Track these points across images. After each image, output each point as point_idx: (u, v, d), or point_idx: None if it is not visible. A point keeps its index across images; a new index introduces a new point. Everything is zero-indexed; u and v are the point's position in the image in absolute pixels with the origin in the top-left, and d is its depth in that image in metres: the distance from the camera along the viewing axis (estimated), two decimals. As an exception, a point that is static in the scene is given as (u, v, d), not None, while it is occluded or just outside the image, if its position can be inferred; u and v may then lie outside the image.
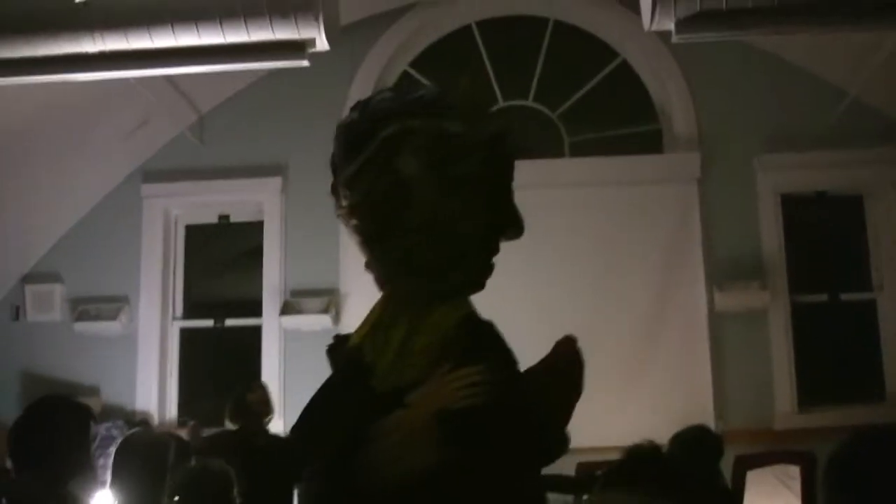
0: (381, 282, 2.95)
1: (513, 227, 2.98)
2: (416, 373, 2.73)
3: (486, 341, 2.87)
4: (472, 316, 2.90)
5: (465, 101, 2.95)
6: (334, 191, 2.93)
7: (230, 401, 7.24)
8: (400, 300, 2.88)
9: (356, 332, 2.87)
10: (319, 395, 2.83)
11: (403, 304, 2.87)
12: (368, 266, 2.92)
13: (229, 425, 7.19)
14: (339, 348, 2.93)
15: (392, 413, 2.65)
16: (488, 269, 2.98)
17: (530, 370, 2.97)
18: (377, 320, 2.86)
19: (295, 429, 2.80)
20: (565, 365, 3.11)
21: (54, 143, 8.69)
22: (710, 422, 8.44)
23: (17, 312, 9.72)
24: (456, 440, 2.54)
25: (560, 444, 2.87)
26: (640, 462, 3.21)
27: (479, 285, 2.96)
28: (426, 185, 2.77)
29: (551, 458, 2.83)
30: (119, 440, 5.27)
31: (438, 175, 2.78)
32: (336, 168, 2.93)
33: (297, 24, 5.56)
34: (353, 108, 2.92)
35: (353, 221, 2.89)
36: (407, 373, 2.74)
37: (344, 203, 2.89)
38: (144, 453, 5.01)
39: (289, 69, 6.52)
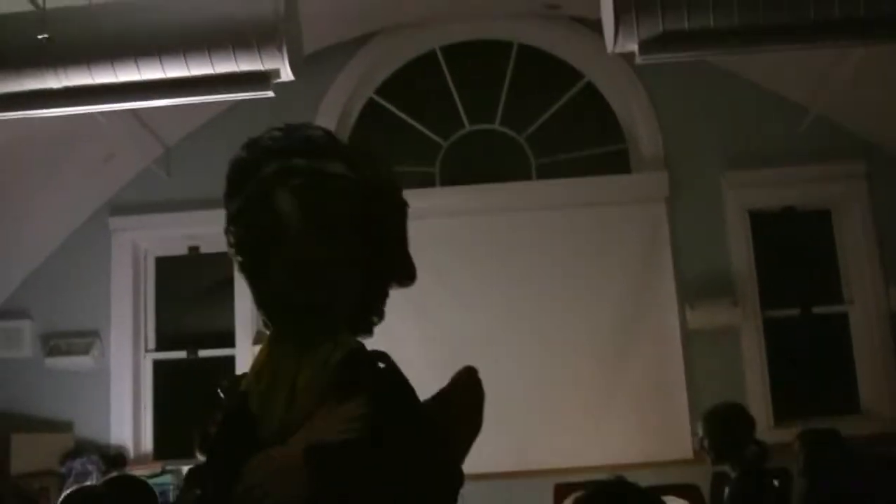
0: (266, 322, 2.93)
1: (403, 274, 2.92)
2: (303, 413, 2.69)
3: (372, 375, 2.77)
4: (360, 351, 2.81)
5: (354, 147, 2.96)
6: (225, 229, 2.92)
7: (197, 434, 7.20)
8: (283, 340, 2.86)
9: (245, 377, 2.85)
10: (211, 446, 2.79)
11: (287, 345, 2.84)
12: (256, 305, 2.91)
13: (200, 458, 7.15)
14: (232, 392, 2.90)
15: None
16: (373, 315, 2.92)
17: (423, 403, 2.80)
18: (263, 362, 2.84)
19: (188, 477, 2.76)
20: (462, 397, 2.94)
21: (21, 179, 8.65)
22: (687, 439, 8.48)
23: (-15, 350, 9.66)
24: (323, 475, 2.48)
25: (448, 480, 2.71)
26: (607, 495, 3.16)
27: (364, 330, 2.90)
28: (299, 224, 2.76)
29: (438, 495, 2.67)
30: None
31: (313, 216, 2.76)
32: (226, 205, 2.91)
33: (260, 55, 5.56)
34: (242, 146, 2.90)
35: (238, 259, 2.88)
36: (294, 414, 2.70)
37: (230, 240, 2.88)
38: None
39: (253, 101, 6.52)
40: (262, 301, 2.88)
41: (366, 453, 2.53)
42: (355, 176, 2.86)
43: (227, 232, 2.88)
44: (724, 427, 5.95)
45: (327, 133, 2.97)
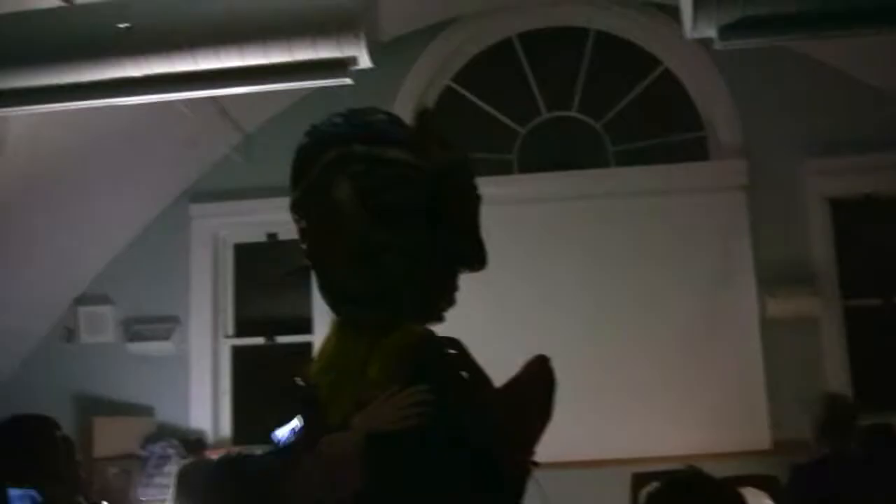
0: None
1: (474, 259, 2.92)
2: (371, 400, 2.67)
3: (439, 362, 2.79)
4: (429, 337, 2.83)
5: (417, 131, 2.93)
6: (292, 216, 2.93)
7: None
8: (348, 329, 2.85)
9: (313, 366, 2.85)
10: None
11: (352, 333, 2.83)
12: (319, 292, 2.91)
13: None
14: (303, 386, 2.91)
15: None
16: (443, 301, 2.93)
17: (494, 391, 2.82)
18: (330, 352, 2.84)
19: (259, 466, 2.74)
20: (533, 386, 2.94)
21: (104, 168, 8.77)
22: (765, 430, 8.41)
23: (70, 334, 9.82)
24: (383, 463, 2.48)
25: (515, 471, 2.71)
26: (681, 488, 3.12)
27: (434, 317, 2.91)
28: (356, 212, 2.74)
29: (501, 486, 2.65)
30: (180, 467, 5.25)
31: (373, 203, 2.75)
32: (291, 192, 2.92)
33: (339, 42, 5.58)
34: (305, 133, 2.91)
35: (303, 246, 2.88)
36: (364, 403, 2.69)
37: (295, 227, 2.89)
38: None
39: (332, 88, 6.55)
40: (325, 288, 2.89)
41: (424, 443, 2.54)
42: (419, 162, 2.86)
43: (293, 219, 2.90)
44: (833, 411, 6.04)
45: (391, 118, 2.96)
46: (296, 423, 2.85)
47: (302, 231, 2.88)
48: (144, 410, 9.31)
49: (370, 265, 2.77)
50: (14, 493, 3.11)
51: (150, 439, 8.99)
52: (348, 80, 6.01)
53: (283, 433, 2.88)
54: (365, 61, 5.79)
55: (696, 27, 5.48)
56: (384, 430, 2.52)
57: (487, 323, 8.70)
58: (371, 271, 2.78)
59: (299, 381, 2.90)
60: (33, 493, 3.11)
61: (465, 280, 8.75)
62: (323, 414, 2.71)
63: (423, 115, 3.00)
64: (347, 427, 2.59)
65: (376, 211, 2.75)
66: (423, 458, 2.53)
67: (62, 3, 6.19)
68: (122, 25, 5.57)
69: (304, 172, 2.84)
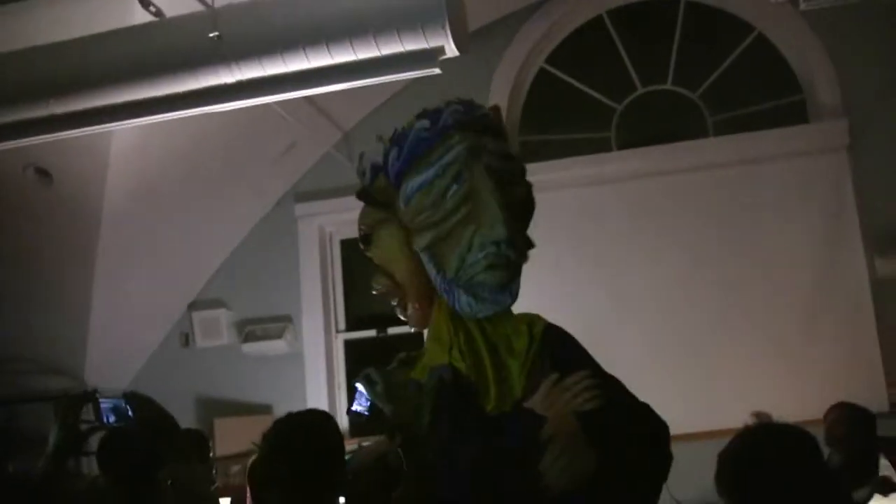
0: (424, 293, 2.99)
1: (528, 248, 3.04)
2: (517, 388, 2.77)
3: (571, 347, 2.90)
4: (550, 325, 2.94)
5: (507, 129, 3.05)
6: (366, 195, 2.99)
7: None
8: (457, 315, 2.92)
9: (434, 353, 2.90)
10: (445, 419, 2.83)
11: (461, 319, 2.91)
12: (413, 275, 2.96)
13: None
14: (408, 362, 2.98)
15: (503, 427, 2.71)
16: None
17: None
18: (453, 339, 2.90)
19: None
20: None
21: (209, 174, 8.95)
22: (882, 391, 8.30)
23: (186, 340, 10.04)
24: (600, 440, 2.54)
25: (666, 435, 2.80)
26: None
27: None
28: (495, 203, 2.82)
29: (668, 457, 2.76)
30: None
31: (503, 195, 2.83)
32: (376, 171, 2.98)
33: (424, 34, 5.62)
34: (419, 116, 2.96)
35: (416, 228, 2.93)
36: (511, 389, 2.78)
37: (405, 209, 2.94)
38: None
39: (427, 78, 6.60)
40: (440, 271, 2.95)
41: (623, 419, 2.65)
42: (519, 159, 2.98)
43: (408, 200, 2.95)
44: None
45: (492, 114, 3.06)
46: (362, 392, 2.94)
47: (415, 213, 2.93)
48: (263, 409, 9.47)
49: (503, 256, 2.87)
50: (104, 403, 3.24)
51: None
52: (437, 70, 6.04)
53: (358, 405, 2.97)
54: (452, 50, 5.82)
55: (782, -11, 5.43)
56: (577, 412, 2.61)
57: (594, 300, 8.76)
58: (503, 263, 2.87)
59: (400, 360, 2.98)
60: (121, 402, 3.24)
61: (572, 257, 8.74)
62: (473, 398, 2.78)
63: (499, 111, 3.07)
64: (498, 409, 2.72)
65: (507, 203, 2.85)
66: (629, 431, 2.63)
67: (153, 18, 6.34)
68: (212, 34, 5.67)
69: (427, 156, 2.90)
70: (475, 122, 2.94)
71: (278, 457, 3.45)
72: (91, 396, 3.18)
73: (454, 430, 2.73)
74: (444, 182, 2.87)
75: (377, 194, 3.05)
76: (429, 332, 3.05)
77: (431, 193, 2.89)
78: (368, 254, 3.14)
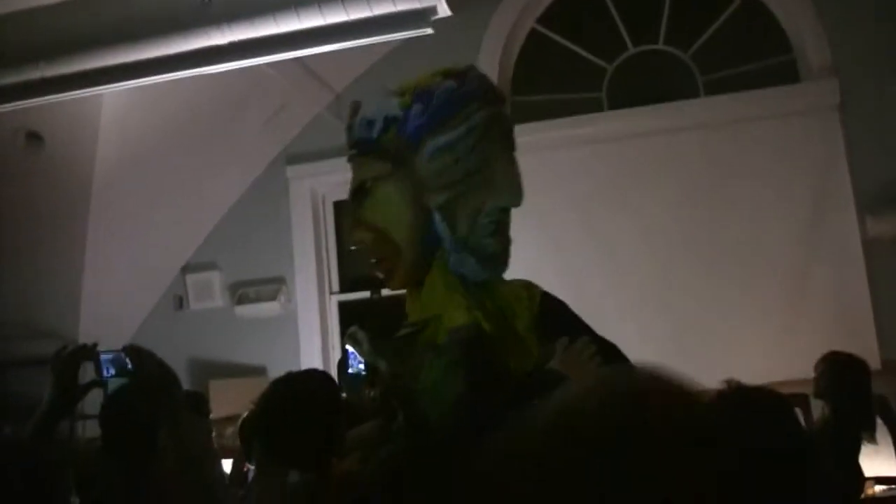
0: (419, 253, 3.00)
1: None
2: (534, 349, 2.81)
3: (569, 314, 3.03)
4: (545, 293, 3.07)
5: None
6: (372, 145, 2.98)
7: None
8: (456, 281, 2.94)
9: (453, 315, 2.92)
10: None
11: (461, 286, 2.94)
12: (415, 231, 2.98)
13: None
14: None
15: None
16: None
17: None
18: (471, 300, 2.93)
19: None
20: None
21: (199, 137, 8.94)
22: (874, 350, 8.32)
23: (180, 302, 10.06)
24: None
25: None
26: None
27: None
28: (508, 169, 2.86)
29: None
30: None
31: (513, 162, 2.88)
32: (387, 123, 2.98)
33: (417, -7, 5.64)
34: (446, 76, 2.98)
35: (434, 186, 2.95)
36: (527, 350, 2.82)
37: (427, 164, 2.95)
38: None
39: (419, 39, 6.60)
40: (451, 230, 2.98)
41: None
42: None
43: (431, 157, 2.96)
44: None
45: None
46: (353, 353, 2.96)
47: (435, 173, 2.95)
48: (257, 371, 9.49)
49: (507, 227, 2.91)
50: (104, 356, 3.22)
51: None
52: (429, 30, 6.06)
53: (353, 368, 2.99)
54: (444, 10, 5.83)
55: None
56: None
57: (585, 260, 8.78)
58: (506, 232, 2.92)
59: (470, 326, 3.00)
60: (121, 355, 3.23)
61: (564, 217, 8.76)
62: (491, 356, 2.81)
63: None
64: (509, 371, 2.76)
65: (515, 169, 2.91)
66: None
67: (145, -21, 6.33)
68: (203, -1, 5.68)
69: (450, 118, 2.93)
70: (492, 91, 2.99)
71: (275, 411, 3.47)
72: (91, 351, 3.16)
73: (483, 388, 2.75)
74: (467, 144, 2.92)
75: (387, 145, 3.06)
76: (429, 295, 3.06)
77: (455, 153, 2.93)
78: (360, 208, 3.13)
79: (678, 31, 9.57)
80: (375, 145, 3.08)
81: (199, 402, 6.52)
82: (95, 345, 3.18)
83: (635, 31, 9.70)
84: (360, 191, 3.11)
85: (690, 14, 9.56)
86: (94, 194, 8.55)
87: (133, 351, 3.11)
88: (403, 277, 3.12)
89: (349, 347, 3.02)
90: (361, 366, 3.03)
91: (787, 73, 9.29)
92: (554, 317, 2.94)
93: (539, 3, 9.84)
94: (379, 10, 5.77)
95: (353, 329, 3.05)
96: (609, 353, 2.83)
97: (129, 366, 3.10)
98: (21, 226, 8.42)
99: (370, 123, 3.10)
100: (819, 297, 8.62)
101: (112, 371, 3.16)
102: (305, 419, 3.38)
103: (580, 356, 2.73)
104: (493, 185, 2.92)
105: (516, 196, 2.98)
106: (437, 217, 2.97)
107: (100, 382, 3.19)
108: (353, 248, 3.17)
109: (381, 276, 3.17)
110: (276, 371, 9.54)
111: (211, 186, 9.68)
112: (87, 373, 3.21)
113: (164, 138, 8.62)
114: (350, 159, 3.29)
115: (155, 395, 3.06)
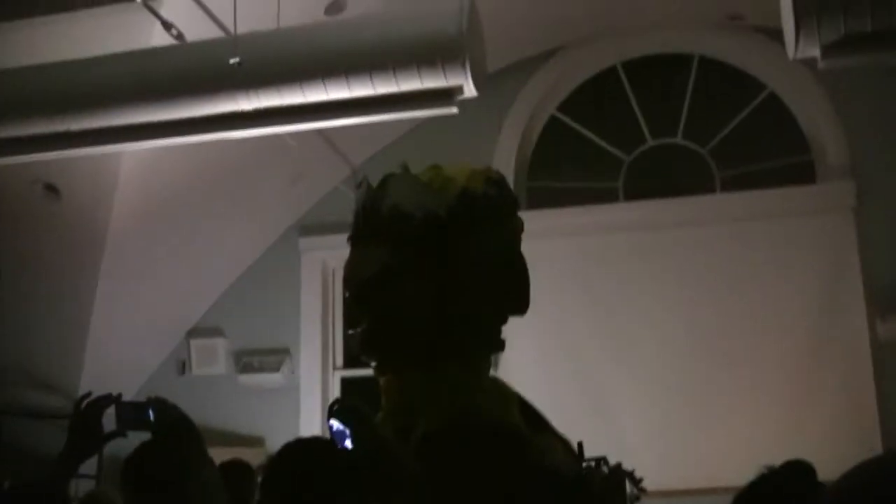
0: (426, 347, 3.02)
1: None
2: None
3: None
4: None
5: None
6: (405, 236, 3.01)
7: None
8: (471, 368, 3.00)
9: (492, 405, 2.94)
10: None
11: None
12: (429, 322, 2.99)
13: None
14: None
15: None
16: None
17: None
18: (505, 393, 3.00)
19: None
20: None
21: (215, 202, 8.95)
22: (879, 450, 8.25)
23: (182, 367, 10.01)
24: None
25: None
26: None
27: None
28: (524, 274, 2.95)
29: None
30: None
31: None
32: (410, 216, 3.01)
33: (444, 72, 5.63)
34: (491, 181, 3.04)
35: (459, 280, 2.98)
36: None
37: (455, 259, 2.99)
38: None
39: (438, 119, 6.62)
40: (466, 327, 3.01)
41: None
42: None
43: (419, 245, 3.00)
44: None
45: None
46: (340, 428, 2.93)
47: (466, 268, 2.99)
48: (255, 441, 9.42)
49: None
50: (127, 407, 3.19)
51: (261, 470, 9.07)
52: (454, 110, 6.06)
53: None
54: (470, 90, 5.83)
55: (800, 47, 5.44)
56: None
57: (594, 345, 8.78)
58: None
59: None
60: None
61: (581, 304, 8.72)
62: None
63: None
64: None
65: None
66: None
67: (174, 41, 6.36)
68: (232, 60, 5.69)
69: (486, 220, 2.99)
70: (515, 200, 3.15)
71: (283, 478, 3.43)
72: (115, 399, 3.13)
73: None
74: (491, 248, 3.05)
75: None
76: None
77: (479, 251, 3.05)
78: None
79: (697, 125, 9.61)
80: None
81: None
82: (120, 394, 3.16)
83: (654, 124, 9.73)
84: None
85: (711, 109, 9.60)
86: (106, 250, 8.55)
87: (157, 402, 3.08)
88: None
89: (338, 425, 2.96)
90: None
91: (804, 173, 9.31)
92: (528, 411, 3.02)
93: (561, 91, 9.91)
94: (406, 87, 5.76)
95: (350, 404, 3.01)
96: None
97: (151, 417, 3.07)
98: (31, 275, 8.42)
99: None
100: (825, 398, 8.59)
101: (133, 423, 3.13)
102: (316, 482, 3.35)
103: None
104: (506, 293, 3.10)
105: None
106: None
107: (122, 432, 3.15)
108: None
109: None
110: (275, 442, 9.48)
111: (223, 251, 9.68)
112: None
113: (180, 199, 8.64)
114: None
115: (178, 448, 3.02)
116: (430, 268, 3.00)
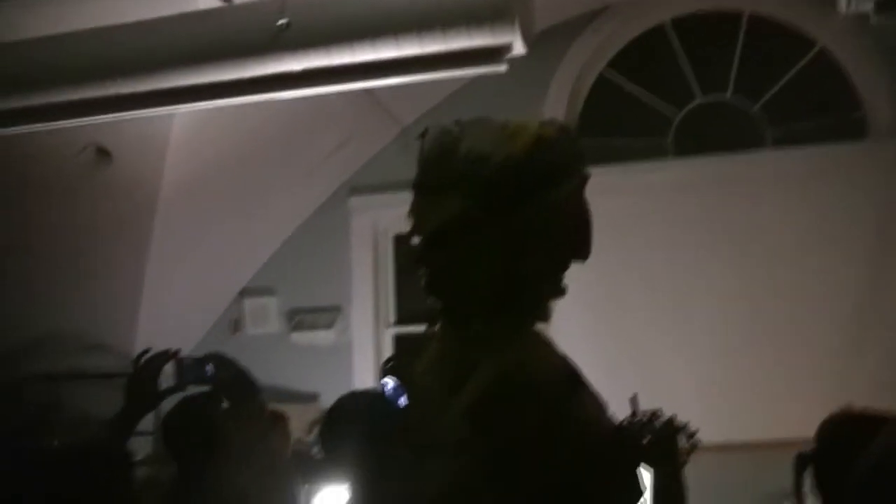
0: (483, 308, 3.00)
1: None
2: None
3: None
4: None
5: None
6: (474, 190, 2.96)
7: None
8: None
9: (551, 355, 2.91)
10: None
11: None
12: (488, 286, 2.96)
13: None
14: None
15: None
16: None
17: None
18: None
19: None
20: None
21: (264, 164, 9.01)
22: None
23: (235, 326, 10.10)
24: None
25: None
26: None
27: None
28: (589, 221, 2.90)
29: None
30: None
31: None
32: (475, 164, 2.96)
33: (493, 29, 5.64)
34: (563, 129, 2.99)
35: (533, 228, 2.94)
36: None
37: (530, 206, 2.95)
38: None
39: (486, 78, 6.61)
40: (529, 291, 2.99)
41: None
42: None
43: (474, 199, 2.96)
44: None
45: None
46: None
47: (521, 229, 2.95)
48: (310, 398, 9.50)
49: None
50: (186, 362, 3.22)
51: (316, 425, 9.16)
52: (503, 68, 6.07)
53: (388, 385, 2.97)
54: (519, 48, 5.83)
55: (852, 2, 5.40)
56: None
57: (639, 307, 8.77)
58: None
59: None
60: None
61: (624, 264, 8.72)
62: None
63: None
64: None
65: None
66: None
67: (222, 3, 6.39)
68: (280, 22, 5.72)
69: (557, 165, 2.96)
70: (582, 152, 3.09)
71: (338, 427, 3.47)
72: (173, 356, 3.17)
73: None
74: (552, 203, 2.99)
75: None
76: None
77: (536, 215, 3.02)
78: None
79: (747, 83, 9.55)
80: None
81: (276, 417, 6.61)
82: (178, 350, 3.20)
83: (704, 81, 9.68)
84: None
85: (761, 66, 9.53)
86: (158, 212, 8.63)
87: (216, 358, 3.12)
88: None
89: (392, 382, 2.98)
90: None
91: (855, 130, 9.23)
92: None
93: (610, 48, 9.86)
94: (454, 45, 5.77)
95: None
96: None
97: (210, 373, 3.11)
98: (83, 239, 8.50)
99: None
100: (878, 355, 8.52)
101: (192, 378, 3.17)
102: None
103: None
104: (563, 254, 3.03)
105: None
106: None
107: (180, 388, 3.19)
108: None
109: None
110: (328, 399, 9.55)
111: (273, 212, 9.75)
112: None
113: (230, 161, 8.69)
114: None
115: (236, 403, 3.06)
116: (505, 213, 2.96)
